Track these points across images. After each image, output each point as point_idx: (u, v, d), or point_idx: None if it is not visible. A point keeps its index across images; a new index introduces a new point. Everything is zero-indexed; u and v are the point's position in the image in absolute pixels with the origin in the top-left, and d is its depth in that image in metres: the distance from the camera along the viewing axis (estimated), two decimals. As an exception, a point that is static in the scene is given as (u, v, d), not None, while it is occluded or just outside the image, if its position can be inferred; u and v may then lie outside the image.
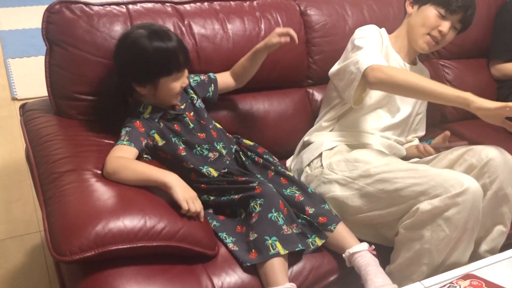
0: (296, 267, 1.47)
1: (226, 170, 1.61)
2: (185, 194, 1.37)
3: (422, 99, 1.84)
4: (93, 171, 1.41)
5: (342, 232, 1.52)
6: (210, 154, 1.61)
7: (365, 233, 1.58)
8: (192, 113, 1.63)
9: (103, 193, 1.33)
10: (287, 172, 1.66)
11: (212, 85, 1.73)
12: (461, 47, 2.29)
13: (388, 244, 1.56)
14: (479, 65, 2.34)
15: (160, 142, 1.56)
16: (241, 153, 1.70)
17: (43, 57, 1.64)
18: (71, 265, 1.28)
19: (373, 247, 1.48)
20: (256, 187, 1.49)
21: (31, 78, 3.40)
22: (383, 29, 1.87)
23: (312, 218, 1.53)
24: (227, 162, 1.64)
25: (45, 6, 1.62)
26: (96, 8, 1.65)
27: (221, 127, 1.73)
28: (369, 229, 1.58)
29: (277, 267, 1.38)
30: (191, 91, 1.67)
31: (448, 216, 1.37)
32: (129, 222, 1.25)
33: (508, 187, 1.50)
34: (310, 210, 1.54)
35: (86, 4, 1.65)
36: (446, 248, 1.41)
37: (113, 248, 1.22)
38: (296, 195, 1.57)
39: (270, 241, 1.40)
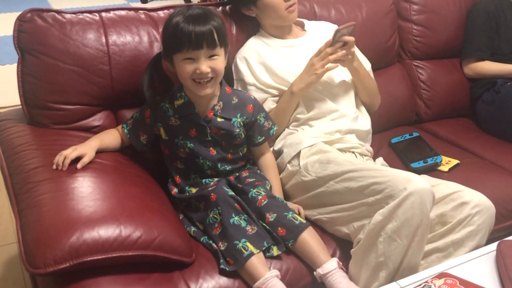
0: (272, 268, 1.46)
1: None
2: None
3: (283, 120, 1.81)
4: (68, 179, 1.40)
5: (307, 243, 1.48)
6: (209, 171, 1.61)
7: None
8: (221, 132, 1.59)
9: (78, 202, 1.32)
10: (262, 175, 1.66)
11: (263, 137, 1.68)
12: (434, 48, 2.32)
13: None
14: (451, 65, 2.37)
15: (163, 136, 1.60)
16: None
17: (17, 64, 1.64)
18: (46, 277, 1.26)
19: (340, 263, 1.47)
20: (211, 193, 1.50)
21: (5, 86, 3.35)
22: (258, 33, 1.88)
23: (271, 227, 1.49)
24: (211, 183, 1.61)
25: (18, 13, 1.61)
26: (68, 16, 1.65)
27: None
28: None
29: (255, 263, 1.39)
30: (246, 118, 1.61)
31: (397, 225, 1.38)
32: (104, 232, 1.24)
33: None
34: (271, 218, 1.50)
35: (58, 12, 1.64)
36: (399, 256, 1.42)
37: (88, 259, 1.21)
38: (259, 198, 1.53)
39: (240, 244, 1.41)
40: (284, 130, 1.82)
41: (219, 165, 1.61)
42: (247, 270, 1.39)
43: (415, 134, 2.11)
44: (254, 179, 1.61)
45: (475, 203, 1.49)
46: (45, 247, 1.20)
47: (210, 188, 1.53)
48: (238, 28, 1.90)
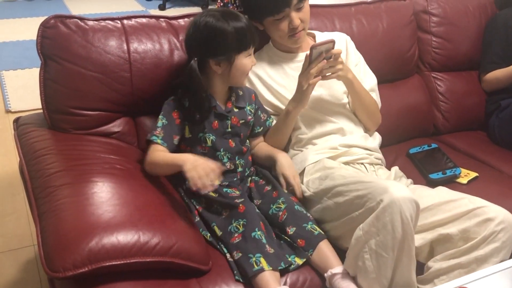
0: (289, 280, 1.47)
1: (226, 183, 1.63)
2: (191, 170, 1.38)
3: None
4: (88, 184, 1.41)
5: (323, 252, 1.50)
6: (228, 164, 1.64)
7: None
8: (240, 121, 1.65)
9: (98, 207, 1.33)
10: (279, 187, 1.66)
11: (261, 128, 1.76)
12: (453, 60, 2.31)
13: None
14: (470, 78, 2.36)
15: (187, 134, 1.61)
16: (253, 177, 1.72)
17: (37, 69, 1.66)
18: (65, 281, 1.27)
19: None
20: (240, 205, 1.52)
21: (24, 91, 3.40)
22: (265, 47, 1.87)
23: (291, 239, 1.52)
24: (235, 179, 1.66)
25: (39, 18, 1.65)
26: (91, 23, 1.66)
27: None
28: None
29: (269, 278, 1.39)
30: (253, 106, 1.70)
31: (380, 239, 1.36)
32: (123, 238, 1.25)
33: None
34: (290, 231, 1.53)
35: (81, 19, 1.66)
36: (390, 270, 1.39)
37: (107, 264, 1.21)
38: (280, 214, 1.56)
39: (254, 258, 1.41)
40: (288, 150, 1.82)
41: (236, 158, 1.65)
42: (258, 285, 1.39)
43: (433, 145, 2.10)
44: (270, 187, 1.65)
45: (500, 219, 1.46)
46: (65, 251, 1.21)
47: (237, 201, 1.54)
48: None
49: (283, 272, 1.46)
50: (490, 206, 1.50)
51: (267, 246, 1.45)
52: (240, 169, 1.67)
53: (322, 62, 1.60)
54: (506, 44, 2.24)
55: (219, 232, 1.53)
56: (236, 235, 1.48)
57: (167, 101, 1.61)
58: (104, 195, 1.38)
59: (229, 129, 1.63)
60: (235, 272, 1.43)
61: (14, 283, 1.94)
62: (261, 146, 1.78)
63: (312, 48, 1.58)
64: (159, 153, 1.54)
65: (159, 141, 1.55)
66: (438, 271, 1.49)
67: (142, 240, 1.27)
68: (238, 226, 1.49)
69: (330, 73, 1.66)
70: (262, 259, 1.41)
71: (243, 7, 1.78)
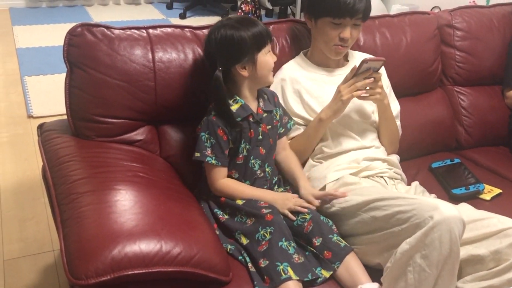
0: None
1: None
2: (284, 207, 1.56)
3: None
4: (111, 192, 1.41)
5: (350, 267, 1.49)
6: (259, 171, 1.65)
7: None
8: (268, 127, 1.67)
9: (120, 215, 1.33)
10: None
11: (283, 129, 1.76)
12: (476, 74, 2.30)
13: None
14: (493, 93, 2.34)
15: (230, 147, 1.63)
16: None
17: (59, 75, 1.69)
18: (86, 288, 1.28)
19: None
20: (268, 214, 1.51)
21: (46, 96, 3.44)
22: (297, 57, 1.88)
23: (318, 251, 1.52)
24: (265, 186, 1.67)
25: (62, 25, 1.68)
26: (117, 32, 1.68)
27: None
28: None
29: None
30: (278, 109, 1.72)
31: (426, 254, 1.35)
32: (145, 247, 1.25)
33: None
34: (317, 242, 1.53)
35: (108, 27, 1.68)
36: (430, 286, 1.38)
37: (129, 272, 1.21)
38: (305, 224, 1.56)
39: (281, 267, 1.41)
40: (308, 159, 1.82)
41: (266, 165, 1.66)
42: None
43: (456, 160, 2.08)
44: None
45: None
46: (87, 259, 1.21)
47: (265, 211, 1.54)
48: (292, 41, 1.92)
49: (307, 286, 1.45)
50: None
51: (294, 256, 1.45)
52: (269, 176, 1.68)
53: (370, 79, 1.63)
54: None
55: (245, 241, 1.52)
56: (263, 242, 1.47)
57: (208, 118, 1.59)
58: (127, 203, 1.38)
59: (260, 137, 1.65)
60: (255, 282, 1.43)
61: (34, 288, 1.96)
62: (290, 158, 1.77)
63: (363, 62, 1.60)
64: (236, 187, 1.61)
65: (213, 162, 1.58)
66: None
67: (164, 250, 1.27)
68: (266, 234, 1.48)
69: (368, 94, 1.69)
70: (289, 268, 1.41)
71: (306, 2, 1.79)
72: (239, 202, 1.58)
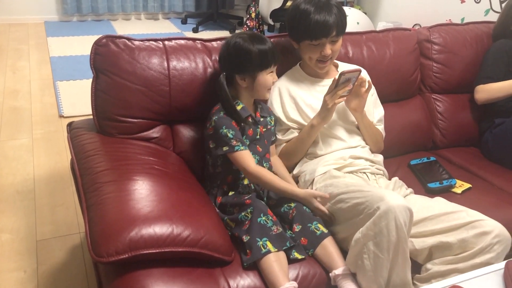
0: (301, 273, 1.46)
1: (252, 186, 1.64)
2: (314, 201, 1.57)
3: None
4: (130, 182, 1.42)
5: (327, 250, 1.49)
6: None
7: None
8: (264, 129, 1.69)
9: (138, 202, 1.34)
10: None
11: (274, 137, 1.78)
12: (451, 84, 2.29)
13: None
14: (466, 100, 2.33)
15: None
16: None
17: (87, 80, 1.70)
18: (107, 265, 1.29)
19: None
20: (247, 199, 1.52)
21: (75, 98, 3.44)
22: (294, 68, 1.87)
23: (296, 237, 1.52)
24: None
25: (90, 37, 1.69)
26: (137, 43, 1.69)
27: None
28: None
29: (275, 268, 1.37)
30: (272, 118, 1.75)
31: (377, 242, 1.34)
32: (159, 229, 1.27)
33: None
34: (297, 228, 1.53)
35: (129, 39, 1.69)
36: (386, 271, 1.38)
37: (144, 252, 1.23)
38: (290, 211, 1.56)
39: (261, 242, 1.41)
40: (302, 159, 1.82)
41: (263, 161, 1.66)
42: (265, 272, 1.38)
43: (432, 158, 2.08)
44: None
45: (496, 233, 1.44)
46: (109, 240, 1.23)
47: (246, 196, 1.55)
48: (290, 53, 1.91)
49: (294, 263, 1.46)
50: (487, 220, 1.48)
51: (273, 227, 1.45)
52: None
53: (349, 86, 1.64)
54: (503, 65, 2.17)
55: (232, 224, 1.53)
56: (246, 222, 1.48)
57: (220, 115, 1.57)
58: (143, 191, 1.39)
59: (258, 136, 1.65)
60: (241, 254, 1.43)
61: (63, 265, 1.97)
62: (278, 163, 1.77)
63: (341, 74, 1.61)
64: (271, 177, 1.57)
65: (242, 148, 1.56)
66: (436, 273, 1.48)
67: (175, 232, 1.28)
68: (247, 215, 1.49)
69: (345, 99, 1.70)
70: (268, 243, 1.41)
71: (288, 27, 1.78)
72: (230, 192, 1.61)
